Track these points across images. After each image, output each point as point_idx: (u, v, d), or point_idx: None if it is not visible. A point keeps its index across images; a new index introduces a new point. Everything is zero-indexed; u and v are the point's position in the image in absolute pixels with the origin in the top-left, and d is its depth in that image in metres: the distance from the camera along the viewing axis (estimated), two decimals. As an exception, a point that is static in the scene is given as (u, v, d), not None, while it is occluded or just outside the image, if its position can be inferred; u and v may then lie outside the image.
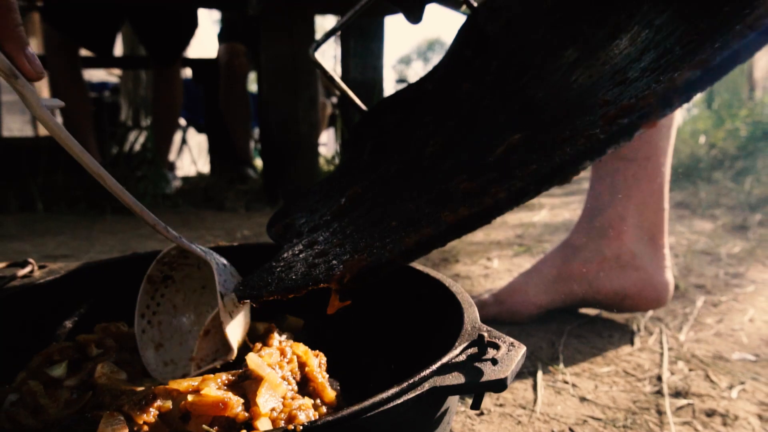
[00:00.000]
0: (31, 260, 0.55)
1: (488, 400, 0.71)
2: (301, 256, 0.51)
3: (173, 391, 0.35)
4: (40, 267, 0.55)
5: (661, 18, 0.39)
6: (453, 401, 0.41)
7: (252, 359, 0.39)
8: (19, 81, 0.40)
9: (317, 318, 0.54)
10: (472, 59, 0.78)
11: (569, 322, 0.95)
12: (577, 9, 0.62)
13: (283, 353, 0.45)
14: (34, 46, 4.01)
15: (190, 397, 0.35)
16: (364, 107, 0.83)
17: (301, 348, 0.45)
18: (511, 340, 0.40)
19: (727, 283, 1.18)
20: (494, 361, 0.37)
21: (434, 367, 0.37)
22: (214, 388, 0.36)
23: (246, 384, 0.38)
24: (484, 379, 0.36)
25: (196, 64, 3.52)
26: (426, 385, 0.35)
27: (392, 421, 0.34)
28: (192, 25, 2.50)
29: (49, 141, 3.60)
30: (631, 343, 0.88)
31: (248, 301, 0.46)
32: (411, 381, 0.35)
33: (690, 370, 0.80)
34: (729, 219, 1.85)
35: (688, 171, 2.99)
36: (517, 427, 0.65)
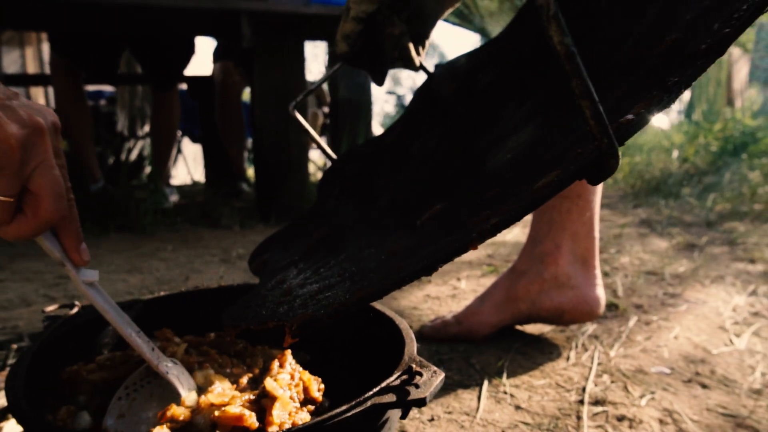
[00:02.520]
0: (77, 302, 0.70)
1: (439, 408, 0.86)
2: (272, 292, 0.67)
3: (208, 406, 0.51)
4: (83, 307, 0.70)
5: (534, 125, 0.55)
6: (393, 413, 0.57)
7: (269, 383, 0.55)
8: (66, 266, 0.54)
9: (317, 353, 0.72)
10: (423, 121, 0.94)
11: (518, 340, 1.11)
12: (504, 91, 0.78)
13: (292, 377, 0.61)
14: (29, 54, 4.15)
15: (216, 412, 0.51)
16: (334, 155, 0.98)
17: (306, 375, 0.61)
18: (435, 368, 0.56)
19: (663, 303, 1.34)
20: (417, 386, 0.53)
21: (376, 389, 0.52)
22: (236, 405, 0.52)
23: (264, 401, 0.54)
24: (410, 398, 0.52)
25: (192, 80, 3.66)
26: (369, 403, 0.51)
27: (345, 429, 0.50)
28: (189, 51, 2.66)
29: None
30: (567, 358, 1.04)
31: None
32: (358, 400, 0.51)
33: (612, 382, 0.96)
34: (684, 238, 2.02)
35: (659, 186, 3.15)
36: (460, 430, 0.81)
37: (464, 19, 7.74)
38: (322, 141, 0.98)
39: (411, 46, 0.93)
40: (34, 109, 0.49)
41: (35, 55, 7.17)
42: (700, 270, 1.61)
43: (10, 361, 0.81)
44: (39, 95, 6.26)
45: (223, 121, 3.33)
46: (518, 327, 1.16)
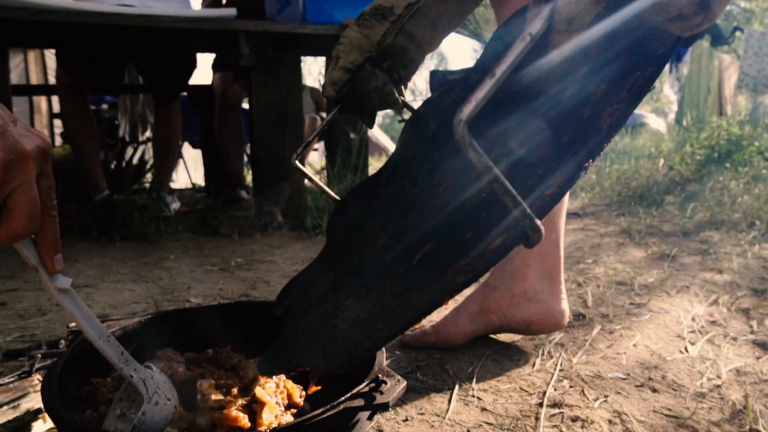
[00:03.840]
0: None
1: (413, 410, 0.97)
2: (298, 338, 0.77)
3: (208, 410, 0.63)
4: (102, 321, 0.81)
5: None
6: (363, 415, 0.68)
7: (259, 391, 0.66)
8: (40, 272, 0.60)
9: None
10: (412, 158, 1.03)
11: (490, 347, 1.22)
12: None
13: (278, 385, 0.72)
14: (32, 59, 4.27)
15: (216, 414, 0.62)
16: (337, 197, 1.07)
17: (290, 383, 0.72)
18: (399, 378, 0.67)
19: (629, 313, 1.45)
20: (381, 392, 0.64)
21: (347, 395, 0.63)
22: (233, 409, 0.63)
23: (255, 406, 0.65)
24: (376, 402, 0.63)
25: (193, 89, 3.76)
26: (341, 406, 0.62)
27: (322, 428, 0.61)
28: (191, 66, 2.77)
29: (61, 170, 3.88)
30: (533, 365, 1.15)
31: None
32: (333, 404, 0.62)
33: (570, 386, 1.07)
34: (659, 248, 2.13)
35: (644, 194, 3.25)
36: (430, 430, 0.92)
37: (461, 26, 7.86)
38: (322, 183, 1.05)
39: (394, 89, 1.03)
40: (25, 135, 0.55)
41: (38, 59, 7.29)
42: (668, 280, 1.72)
43: (36, 366, 0.92)
44: (42, 102, 6.39)
45: (223, 131, 3.43)
46: (492, 335, 1.27)
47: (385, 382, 0.66)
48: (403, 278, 0.73)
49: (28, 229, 0.56)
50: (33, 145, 0.56)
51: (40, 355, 0.92)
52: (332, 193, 1.03)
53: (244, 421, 0.63)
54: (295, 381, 0.74)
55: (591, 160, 0.55)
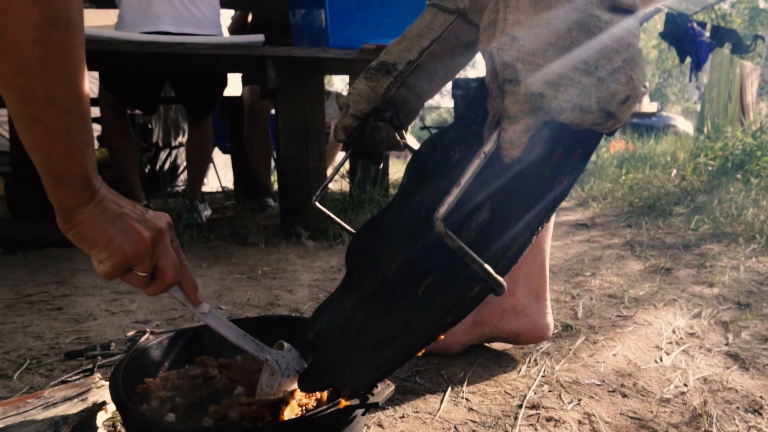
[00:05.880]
0: (148, 328, 0.99)
1: (410, 409, 1.14)
2: (328, 358, 0.93)
3: (236, 405, 0.81)
4: (151, 332, 1.00)
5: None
6: (358, 412, 0.84)
7: (287, 395, 0.84)
8: (188, 305, 0.83)
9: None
10: (414, 195, 1.19)
11: (483, 355, 1.39)
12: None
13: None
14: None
15: (244, 409, 0.80)
16: (352, 230, 1.22)
17: None
18: (389, 382, 0.84)
19: (614, 324, 1.60)
20: (373, 394, 0.81)
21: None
22: (256, 405, 0.81)
23: (282, 406, 0.83)
24: (368, 402, 0.80)
25: (223, 101, 3.98)
26: (340, 405, 0.79)
27: (324, 423, 0.78)
28: (222, 85, 2.98)
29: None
30: (519, 371, 1.31)
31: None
32: (333, 402, 0.79)
33: (549, 391, 1.23)
34: (657, 261, 2.25)
35: (654, 205, 3.36)
36: (422, 426, 1.09)
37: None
38: (343, 222, 1.19)
39: (397, 135, 1.19)
40: (156, 218, 0.78)
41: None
42: (658, 293, 1.85)
43: (98, 364, 1.11)
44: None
45: (251, 142, 3.64)
46: (486, 344, 1.44)
47: (377, 386, 0.83)
48: (410, 308, 0.87)
49: (175, 280, 0.80)
50: (164, 222, 0.79)
51: (100, 357, 1.11)
52: (348, 227, 1.19)
53: (266, 415, 0.81)
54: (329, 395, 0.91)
55: (540, 228, 0.71)
